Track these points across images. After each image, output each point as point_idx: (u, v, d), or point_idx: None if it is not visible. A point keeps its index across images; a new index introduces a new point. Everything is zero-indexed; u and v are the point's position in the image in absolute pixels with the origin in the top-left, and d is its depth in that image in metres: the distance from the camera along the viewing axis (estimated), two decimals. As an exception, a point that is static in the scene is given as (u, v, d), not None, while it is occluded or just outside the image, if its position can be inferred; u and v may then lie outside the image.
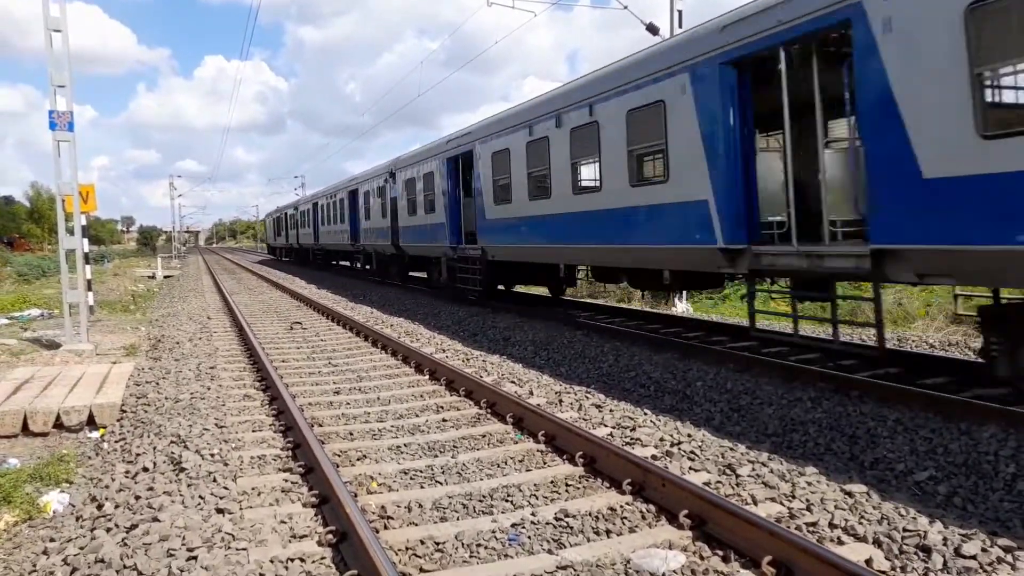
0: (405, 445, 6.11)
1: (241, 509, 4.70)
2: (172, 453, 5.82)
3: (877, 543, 3.93)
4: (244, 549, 4.07)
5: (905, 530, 4.02)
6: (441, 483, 5.23)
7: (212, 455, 5.74)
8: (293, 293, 21.88)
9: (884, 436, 5.87)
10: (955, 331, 11.47)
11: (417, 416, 7.12)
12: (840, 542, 4.00)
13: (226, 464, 5.55)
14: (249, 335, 11.95)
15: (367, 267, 27.86)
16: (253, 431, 6.65)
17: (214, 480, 5.17)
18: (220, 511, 4.60)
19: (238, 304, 18.32)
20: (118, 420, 7.38)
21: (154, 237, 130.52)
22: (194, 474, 5.28)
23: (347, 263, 34.39)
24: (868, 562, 3.70)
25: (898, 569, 3.66)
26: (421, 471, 5.46)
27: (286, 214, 48.26)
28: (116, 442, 6.70)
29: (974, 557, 3.66)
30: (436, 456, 5.84)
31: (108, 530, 4.40)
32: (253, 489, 5.09)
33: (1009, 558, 3.64)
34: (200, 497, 4.83)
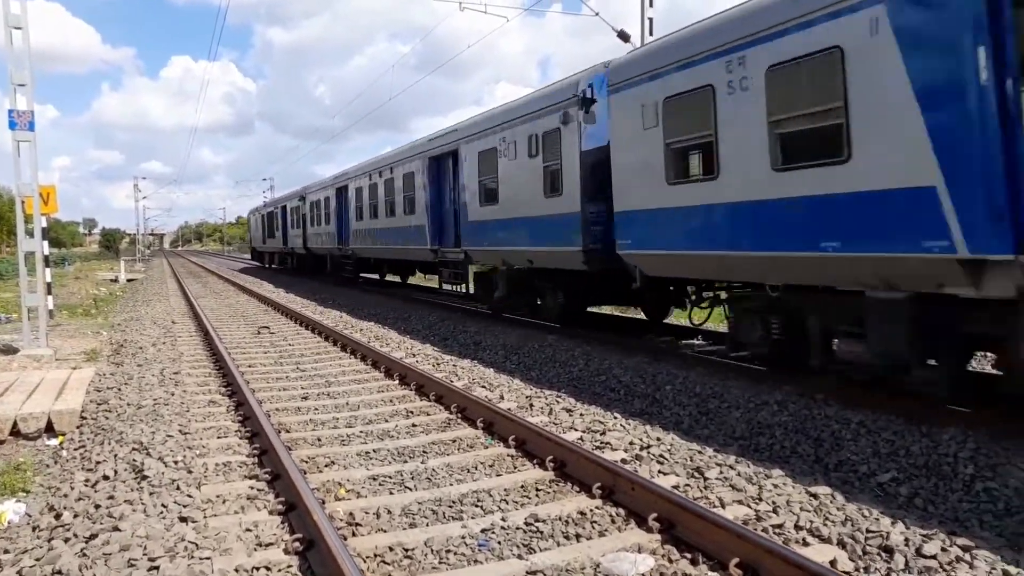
0: (374, 451, 6.05)
1: (205, 517, 4.60)
2: (134, 460, 5.69)
3: (841, 544, 3.99)
4: (208, 558, 3.99)
5: (868, 531, 4.09)
6: (411, 489, 5.19)
7: (175, 462, 5.62)
8: (260, 297, 21.58)
9: (848, 439, 5.97)
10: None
11: (386, 421, 7.06)
12: (805, 543, 4.05)
13: (190, 471, 5.44)
14: (215, 340, 11.75)
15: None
16: (218, 437, 6.53)
17: (177, 488, 5.06)
18: (183, 519, 4.51)
19: (204, 308, 18.01)
20: (78, 427, 7.19)
21: (117, 240, 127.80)
22: (157, 482, 5.17)
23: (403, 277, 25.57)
24: (832, 563, 3.76)
25: (861, 570, 3.73)
26: (390, 477, 5.41)
27: (284, 208, 36.38)
28: (76, 450, 6.53)
29: (934, 557, 3.74)
30: (406, 462, 5.80)
31: (66, 540, 4.27)
32: (218, 497, 4.99)
33: (967, 557, 3.73)
34: (163, 505, 4.73)
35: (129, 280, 35.20)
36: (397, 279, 26.22)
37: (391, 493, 5.12)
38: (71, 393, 8.01)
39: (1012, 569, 3.58)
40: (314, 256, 31.13)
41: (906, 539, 3.95)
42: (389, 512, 4.72)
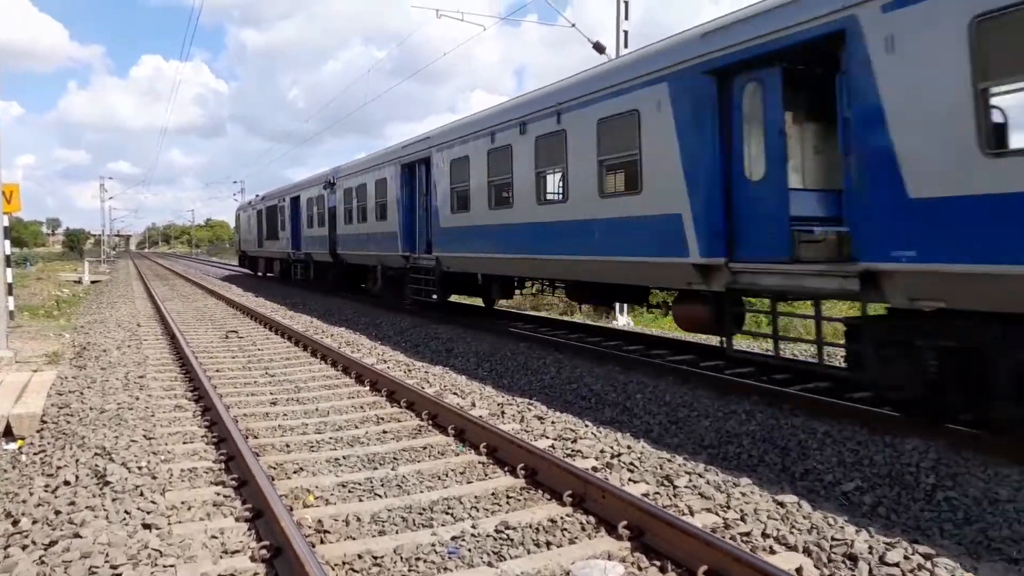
0: (344, 457, 6.00)
1: (169, 524, 4.52)
2: (96, 466, 5.56)
3: (807, 552, 4.05)
4: (172, 566, 3.91)
5: (833, 539, 4.16)
6: (380, 496, 5.15)
7: (139, 468, 5.51)
8: (228, 300, 21.27)
9: (814, 448, 6.07)
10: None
11: (356, 428, 7.00)
12: (772, 551, 4.11)
13: (154, 477, 5.33)
14: (182, 343, 11.55)
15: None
16: (184, 443, 6.41)
17: (141, 494, 4.96)
18: (147, 526, 4.42)
19: (170, 311, 17.69)
20: (38, 431, 7.01)
21: (82, 240, 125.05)
22: (120, 488, 5.06)
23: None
24: (799, 571, 3.82)
25: (826, 577, 3.79)
26: (360, 484, 5.37)
27: (295, 200, 26.87)
28: (35, 454, 6.36)
29: (897, 565, 3.82)
30: (376, 468, 5.75)
31: (24, 547, 4.16)
32: (183, 503, 4.90)
33: (928, 565, 3.81)
34: (126, 512, 4.63)
35: (93, 282, 34.45)
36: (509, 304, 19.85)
37: (360, 500, 5.07)
38: (31, 396, 7.81)
39: (970, 576, 3.67)
40: (347, 266, 22.03)
41: (870, 547, 4.02)
42: (358, 519, 4.67)
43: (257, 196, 36.05)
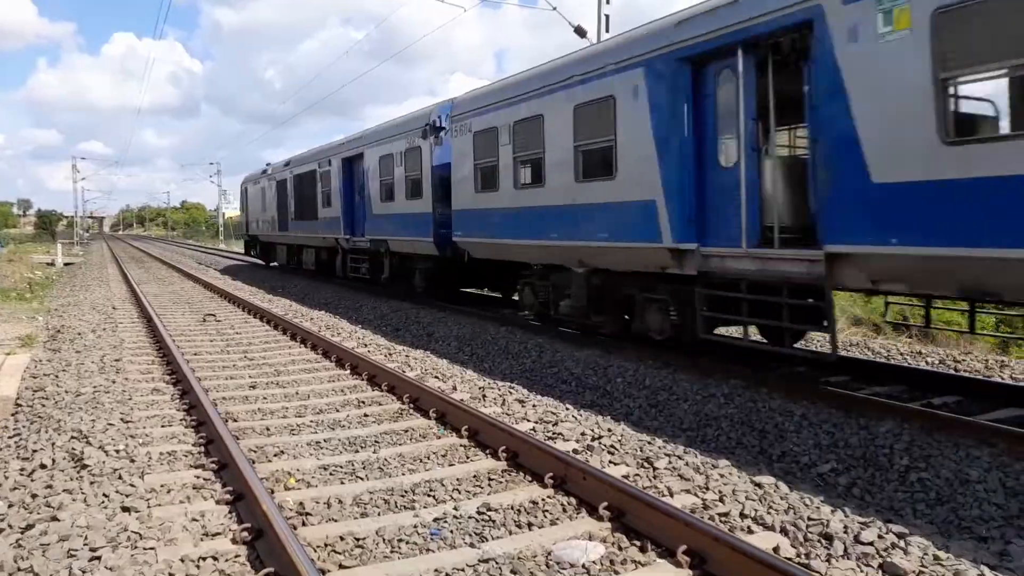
0: (325, 440, 5.98)
1: (149, 507, 4.49)
2: (73, 449, 5.50)
3: (784, 531, 4.13)
4: (152, 548, 3.89)
5: (809, 519, 4.24)
6: (362, 478, 5.15)
7: (117, 451, 5.46)
8: (206, 284, 21.03)
9: (791, 431, 6.17)
10: (855, 332, 12.18)
11: (337, 411, 6.98)
12: (750, 531, 4.18)
13: (132, 460, 5.29)
14: (159, 326, 11.41)
15: None
16: (162, 426, 6.35)
17: (119, 477, 4.92)
18: (126, 509, 4.38)
19: (146, 294, 17.46)
20: (12, 415, 6.90)
21: (54, 222, 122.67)
22: (97, 471, 5.01)
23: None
24: (776, 549, 3.88)
25: (803, 555, 3.86)
26: (341, 467, 5.36)
27: (339, 163, 19.32)
28: (10, 438, 6.25)
29: (871, 543, 3.90)
30: (357, 451, 5.74)
31: (0, 531, 4.11)
32: (162, 486, 4.86)
33: (902, 543, 3.90)
34: (104, 495, 4.59)
35: (67, 264, 33.84)
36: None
37: (342, 483, 5.07)
38: (5, 380, 7.68)
39: (942, 554, 3.76)
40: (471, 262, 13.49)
41: (845, 526, 4.11)
42: (340, 502, 4.67)
43: (275, 164, 26.76)
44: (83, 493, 4.61)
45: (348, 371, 8.72)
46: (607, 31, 16.89)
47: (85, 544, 3.84)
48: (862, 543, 3.91)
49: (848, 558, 3.79)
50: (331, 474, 5.23)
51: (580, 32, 18.36)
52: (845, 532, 4.04)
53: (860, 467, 5.33)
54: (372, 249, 17.56)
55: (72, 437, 5.83)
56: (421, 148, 14.63)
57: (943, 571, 3.60)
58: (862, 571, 3.66)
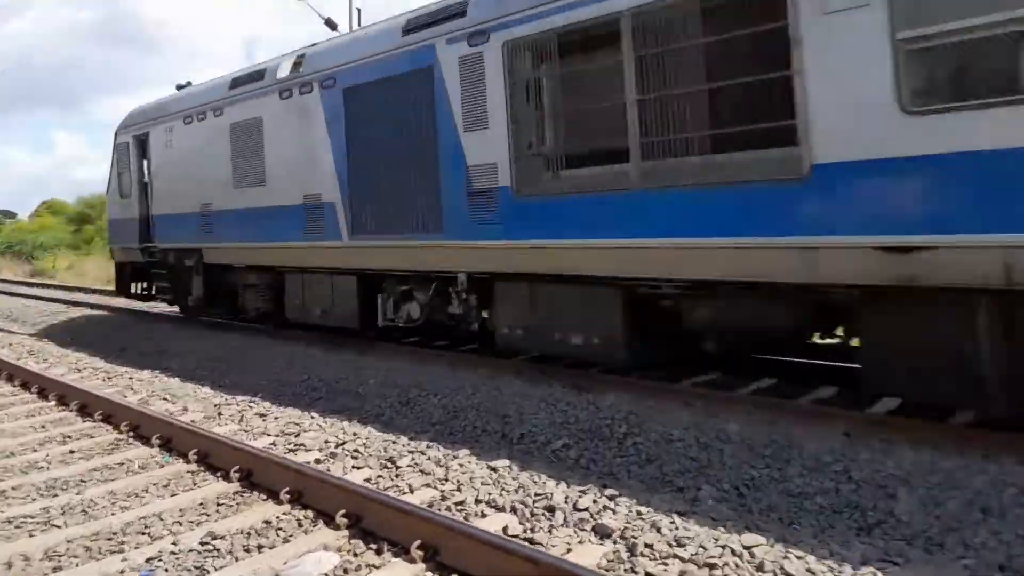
0: (12, 489, 5.08)
1: None
2: None
3: (513, 511, 4.31)
4: None
5: (536, 495, 4.48)
6: (59, 527, 4.44)
7: None
8: None
9: (531, 413, 6.49)
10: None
11: (34, 451, 5.98)
12: (483, 515, 4.30)
13: None
14: None
15: None
16: None
17: None
18: None
19: None
20: None
21: None
22: None
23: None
24: (504, 529, 4.04)
25: (529, 530, 4.06)
26: (32, 517, 4.58)
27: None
28: None
29: (586, 508, 4.22)
30: (55, 496, 4.95)
31: None
32: None
33: (612, 504, 4.27)
34: None
35: None
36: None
37: (31, 536, 4.33)
38: None
39: (644, 509, 4.18)
40: None
41: (566, 497, 4.40)
42: (26, 559, 3.98)
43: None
44: None
45: (53, 403, 7.53)
46: (359, 24, 16.66)
47: None
48: (579, 509, 4.22)
49: (567, 526, 4.06)
50: (17, 528, 4.44)
51: (331, 24, 17.89)
52: (566, 502, 4.33)
53: (587, 440, 5.76)
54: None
55: None
56: None
57: (643, 524, 4.00)
58: (577, 536, 3.93)
